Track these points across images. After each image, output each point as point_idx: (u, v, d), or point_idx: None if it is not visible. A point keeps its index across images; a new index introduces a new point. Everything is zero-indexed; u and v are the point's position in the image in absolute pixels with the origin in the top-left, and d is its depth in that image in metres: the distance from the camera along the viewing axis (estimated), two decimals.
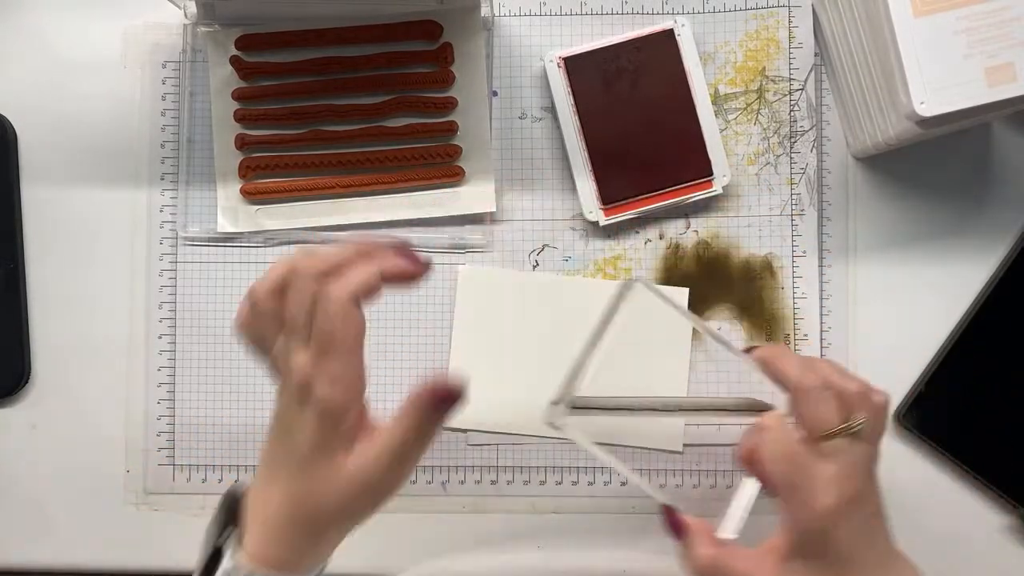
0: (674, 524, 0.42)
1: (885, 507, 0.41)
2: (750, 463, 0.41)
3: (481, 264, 0.55)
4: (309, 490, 0.38)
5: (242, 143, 0.55)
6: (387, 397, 0.54)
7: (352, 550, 0.47)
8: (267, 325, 0.38)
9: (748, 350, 0.43)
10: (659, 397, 0.51)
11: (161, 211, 0.55)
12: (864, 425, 0.38)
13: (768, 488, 0.40)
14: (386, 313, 0.55)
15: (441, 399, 0.38)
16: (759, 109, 0.54)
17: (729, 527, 0.42)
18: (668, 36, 0.53)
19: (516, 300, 0.54)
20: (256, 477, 0.40)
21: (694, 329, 0.54)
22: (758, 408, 0.45)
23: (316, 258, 0.38)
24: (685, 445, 0.54)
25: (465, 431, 0.54)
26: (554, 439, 0.53)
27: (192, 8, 0.54)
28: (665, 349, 0.54)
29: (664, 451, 0.54)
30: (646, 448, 0.54)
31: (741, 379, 0.54)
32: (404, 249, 0.39)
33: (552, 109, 0.54)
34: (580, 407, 0.43)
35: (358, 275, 0.38)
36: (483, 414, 0.54)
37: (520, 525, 0.54)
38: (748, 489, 0.42)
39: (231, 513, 0.39)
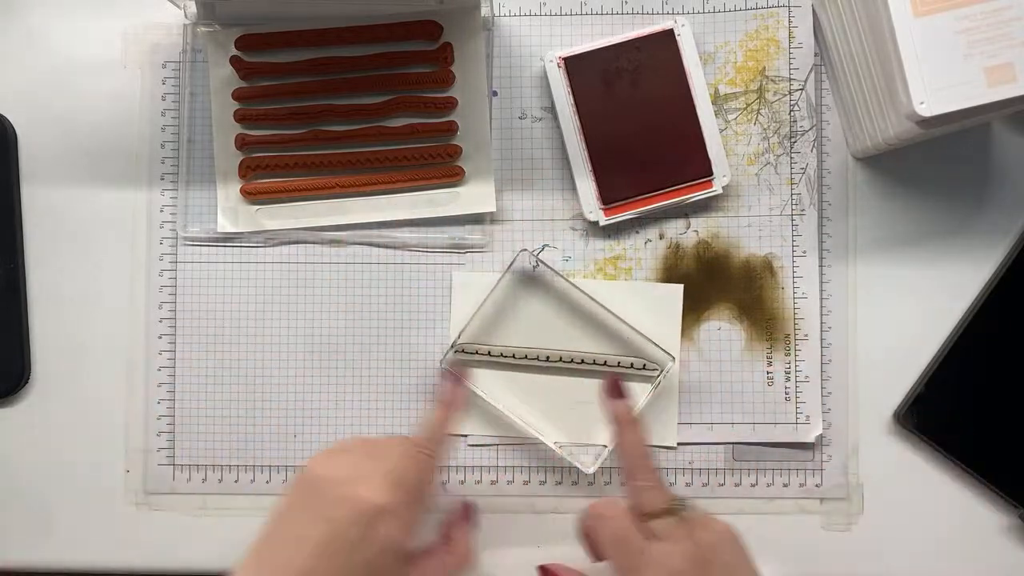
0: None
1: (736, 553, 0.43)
2: (590, 544, 0.45)
3: (481, 264, 0.55)
4: None
5: (242, 143, 0.55)
6: (385, 396, 0.54)
7: None
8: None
9: (612, 391, 0.48)
10: (545, 348, 0.53)
11: (161, 211, 0.55)
12: (685, 507, 0.43)
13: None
14: (386, 313, 0.55)
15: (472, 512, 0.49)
16: (759, 109, 0.54)
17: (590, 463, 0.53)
18: (668, 36, 0.53)
19: (508, 304, 0.54)
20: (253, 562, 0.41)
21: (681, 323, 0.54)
22: (649, 367, 0.53)
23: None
24: (679, 443, 0.54)
25: (465, 435, 0.54)
26: (554, 441, 0.53)
27: (192, 8, 0.54)
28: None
29: (657, 447, 0.54)
30: None
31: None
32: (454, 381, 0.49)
33: (552, 109, 0.54)
34: (467, 352, 0.53)
35: (436, 430, 0.46)
36: (482, 420, 0.54)
37: (520, 525, 0.54)
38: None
39: None
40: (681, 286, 0.54)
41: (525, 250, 0.54)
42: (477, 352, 0.53)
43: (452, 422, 0.47)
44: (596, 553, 0.45)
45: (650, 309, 0.54)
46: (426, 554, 0.44)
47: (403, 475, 0.42)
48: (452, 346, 0.53)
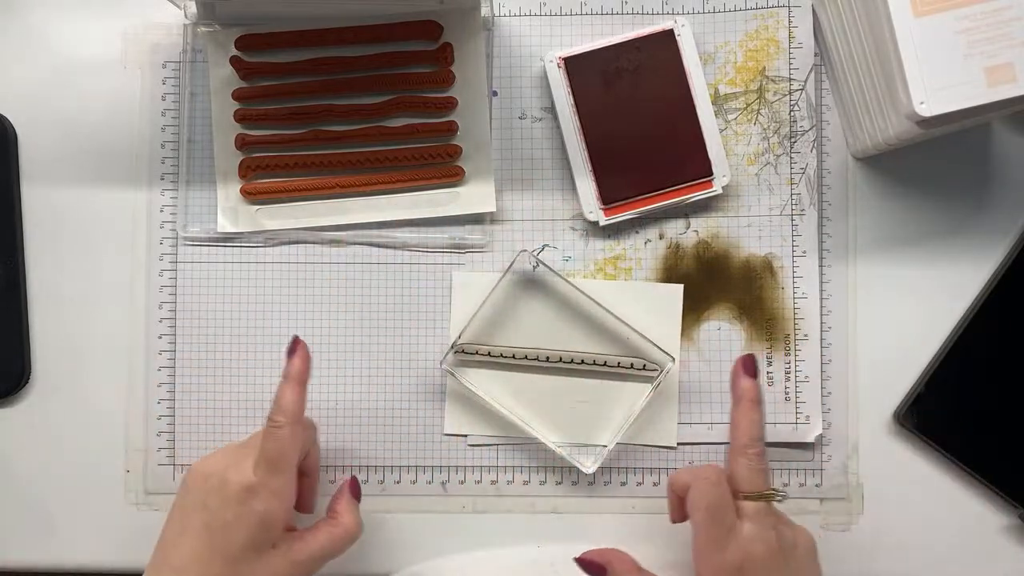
0: (591, 566, 0.47)
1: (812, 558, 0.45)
2: (676, 501, 0.46)
3: (481, 264, 0.55)
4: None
5: (242, 143, 0.55)
6: (385, 396, 0.55)
7: (353, 551, 0.48)
8: None
9: (746, 368, 0.47)
10: (545, 348, 0.54)
11: (161, 211, 0.55)
12: (784, 497, 0.44)
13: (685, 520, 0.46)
14: (386, 313, 0.55)
15: (356, 487, 0.49)
16: (759, 109, 0.54)
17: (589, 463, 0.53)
18: (668, 36, 0.53)
19: (508, 304, 0.54)
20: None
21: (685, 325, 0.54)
22: (649, 367, 0.53)
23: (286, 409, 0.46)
24: (679, 443, 0.54)
25: (465, 435, 0.54)
26: (554, 440, 0.53)
27: (192, 8, 0.54)
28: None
29: (657, 447, 0.54)
30: (640, 444, 0.54)
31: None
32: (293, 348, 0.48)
33: (552, 109, 0.54)
34: (467, 352, 0.53)
35: (284, 402, 0.46)
36: (482, 420, 0.54)
37: (520, 525, 0.54)
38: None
39: None
40: (681, 286, 0.54)
41: (525, 250, 0.54)
42: (477, 352, 0.53)
43: (299, 392, 0.46)
44: (679, 513, 0.46)
45: (650, 309, 0.54)
46: (313, 527, 0.47)
47: (264, 452, 0.45)
48: (452, 346, 0.53)
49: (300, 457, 0.47)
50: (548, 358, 0.53)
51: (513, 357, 0.53)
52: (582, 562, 0.48)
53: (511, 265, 0.54)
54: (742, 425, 0.45)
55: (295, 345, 0.47)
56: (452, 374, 0.53)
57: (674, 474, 0.46)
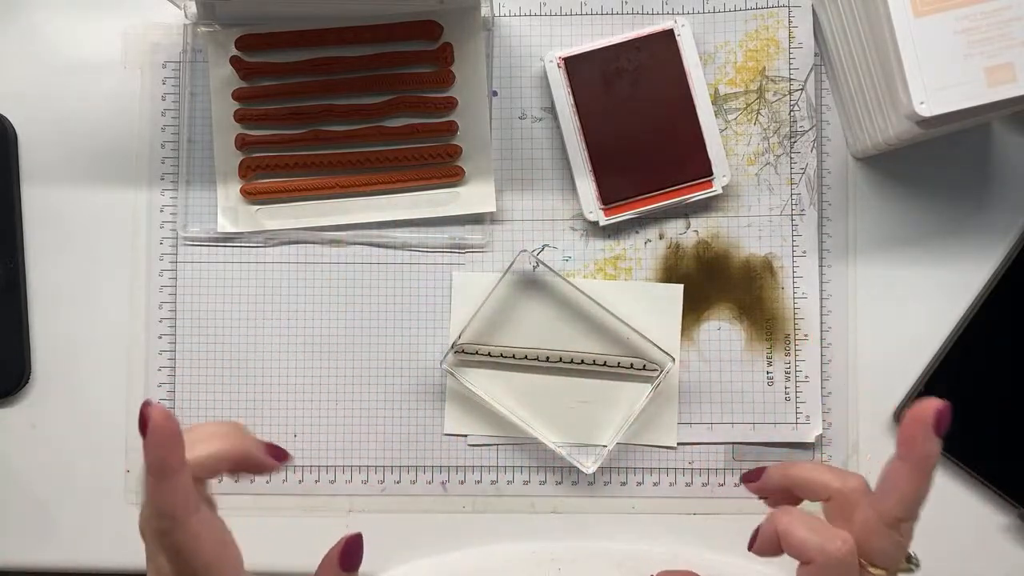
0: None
1: None
2: (774, 546, 0.38)
3: (481, 264, 0.55)
4: None
5: (242, 143, 0.55)
6: (385, 396, 0.55)
7: None
8: None
9: (942, 418, 0.35)
10: (545, 349, 0.53)
11: (161, 211, 0.55)
12: (916, 566, 0.37)
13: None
14: (386, 313, 0.55)
15: (348, 554, 0.39)
16: (759, 109, 0.54)
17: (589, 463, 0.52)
18: (668, 36, 0.53)
19: (508, 304, 0.54)
20: None
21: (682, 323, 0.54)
22: (649, 367, 0.53)
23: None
24: (679, 443, 0.54)
25: (465, 435, 0.54)
26: (554, 440, 0.53)
27: (192, 8, 0.54)
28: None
29: (657, 447, 0.54)
30: (640, 444, 0.54)
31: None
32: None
33: (552, 109, 0.54)
34: (467, 352, 0.53)
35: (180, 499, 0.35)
36: (482, 420, 0.54)
37: (520, 525, 0.54)
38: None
39: None
40: (681, 286, 0.54)
41: (525, 251, 0.54)
42: (477, 352, 0.53)
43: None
44: (771, 548, 0.38)
45: (650, 309, 0.54)
46: None
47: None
48: (452, 346, 0.53)
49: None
50: (548, 358, 0.53)
51: (513, 357, 0.53)
52: None
53: (511, 265, 0.54)
54: (906, 492, 0.35)
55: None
56: (452, 374, 0.53)
57: (789, 521, 0.37)
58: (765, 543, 0.38)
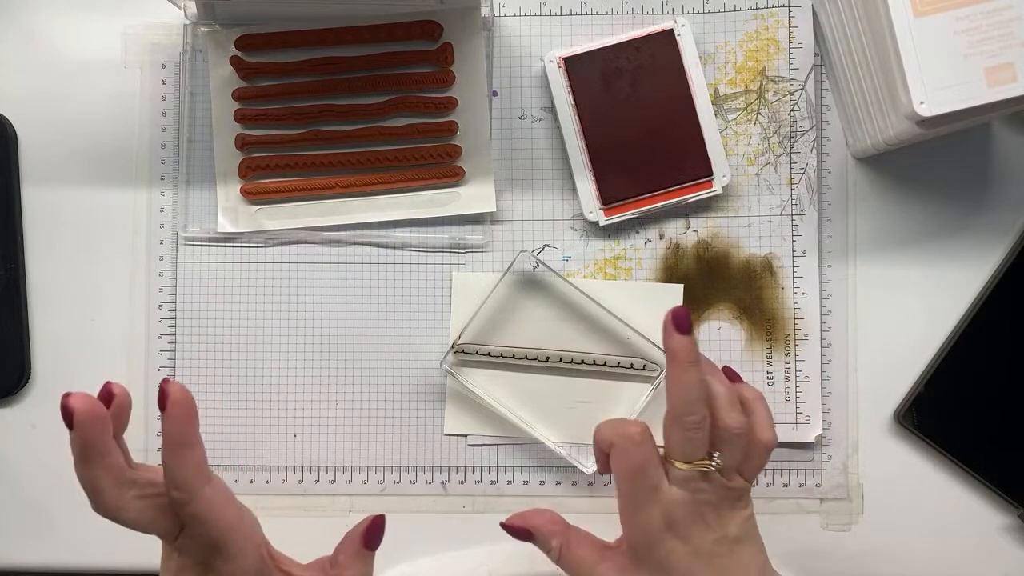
0: (517, 531, 0.45)
1: (750, 545, 0.43)
2: (603, 457, 0.44)
3: (481, 264, 0.55)
4: None
5: (242, 143, 0.55)
6: (385, 396, 0.55)
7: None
8: None
9: (677, 323, 0.42)
10: (545, 349, 0.53)
11: (161, 211, 0.55)
12: (718, 466, 0.41)
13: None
14: (386, 313, 0.55)
15: (371, 534, 0.42)
16: (759, 109, 0.54)
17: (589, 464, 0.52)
18: (668, 36, 0.53)
19: (508, 304, 0.54)
20: None
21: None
22: (649, 367, 0.53)
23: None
24: None
25: (465, 435, 0.54)
26: (554, 440, 0.53)
27: (192, 8, 0.54)
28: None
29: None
30: None
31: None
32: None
33: (552, 109, 0.54)
34: (467, 352, 0.53)
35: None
36: (482, 420, 0.54)
37: None
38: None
39: None
40: (681, 286, 0.54)
41: (525, 251, 0.54)
42: (477, 352, 0.53)
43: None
44: (605, 466, 0.44)
45: (650, 309, 0.54)
46: (308, 568, 0.42)
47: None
48: (452, 346, 0.53)
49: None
50: (548, 358, 0.53)
51: (513, 357, 0.53)
52: (507, 528, 0.45)
53: (511, 265, 0.54)
54: (677, 389, 0.41)
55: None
56: (452, 374, 0.53)
57: (597, 427, 0.43)
58: (598, 458, 0.44)
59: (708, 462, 0.41)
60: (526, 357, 0.53)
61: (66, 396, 0.36)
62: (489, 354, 0.53)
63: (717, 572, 0.42)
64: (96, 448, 0.36)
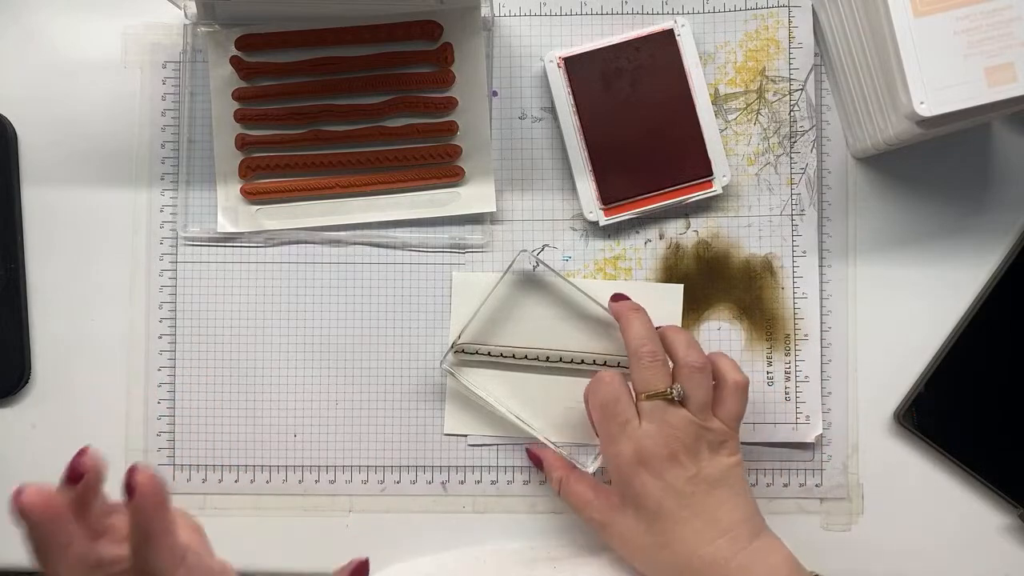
0: (532, 457, 0.52)
1: (732, 491, 0.46)
2: (588, 409, 0.48)
3: (481, 264, 0.55)
4: None
5: (242, 143, 0.55)
6: (385, 395, 0.55)
7: (353, 550, 0.48)
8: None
9: (615, 298, 0.51)
10: (545, 348, 0.54)
11: (161, 211, 0.55)
12: (678, 394, 0.45)
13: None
14: (386, 313, 0.55)
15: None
16: (759, 109, 0.54)
17: (589, 463, 0.52)
18: (668, 36, 0.53)
19: (508, 304, 0.54)
20: None
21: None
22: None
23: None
24: None
25: (465, 435, 0.54)
26: (552, 441, 0.53)
27: (192, 8, 0.54)
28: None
29: None
30: None
31: None
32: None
33: (552, 109, 0.54)
34: (467, 352, 0.53)
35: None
36: (482, 420, 0.54)
37: (520, 525, 0.54)
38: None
39: None
40: (681, 286, 0.54)
41: (525, 251, 0.54)
42: (477, 352, 0.53)
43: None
44: (590, 418, 0.49)
45: (650, 309, 0.54)
46: None
47: None
48: (452, 346, 0.53)
49: None
50: (548, 358, 0.53)
51: (513, 357, 0.53)
52: (527, 452, 0.53)
53: (511, 265, 0.54)
54: (629, 331, 0.48)
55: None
56: (452, 374, 0.53)
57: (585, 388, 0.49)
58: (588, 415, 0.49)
59: (668, 390, 0.45)
60: (526, 357, 0.53)
61: (17, 493, 0.32)
62: (489, 354, 0.53)
63: (690, 510, 0.45)
64: (56, 541, 0.33)
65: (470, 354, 0.53)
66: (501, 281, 0.54)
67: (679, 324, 0.54)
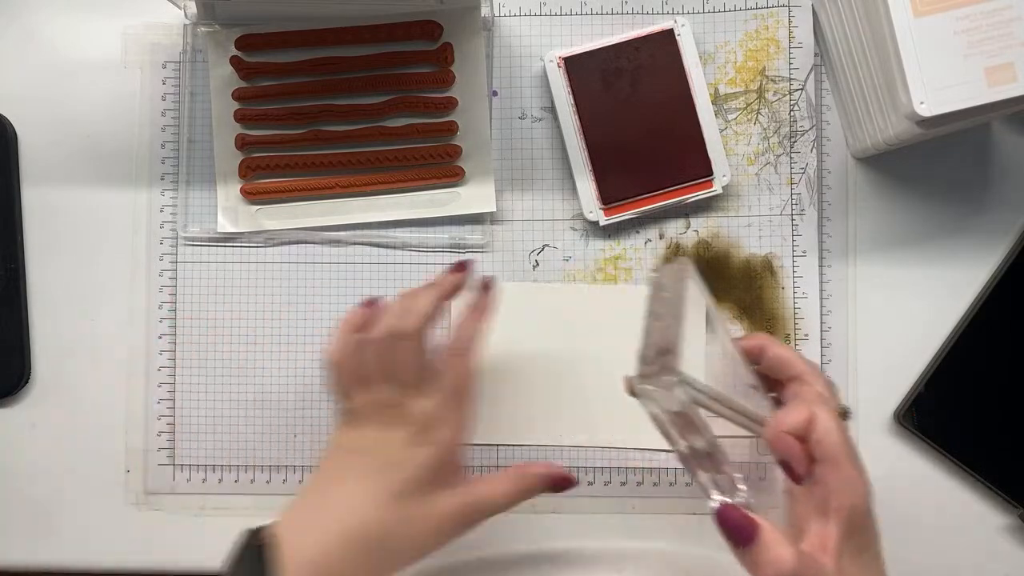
0: (739, 526, 0.36)
1: None
2: (787, 443, 0.37)
3: (481, 264, 0.55)
4: (400, 519, 0.40)
5: (242, 143, 0.55)
6: None
7: None
8: (367, 366, 0.42)
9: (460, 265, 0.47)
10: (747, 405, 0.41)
11: (161, 211, 0.55)
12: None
13: (794, 472, 0.37)
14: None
15: (555, 484, 0.44)
16: (759, 109, 0.54)
17: (741, 492, 0.38)
18: (668, 36, 0.53)
19: (517, 310, 0.54)
20: (308, 514, 0.41)
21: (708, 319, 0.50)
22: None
23: (418, 311, 0.43)
24: None
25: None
26: (551, 444, 0.53)
27: (192, 8, 0.54)
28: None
29: (657, 449, 0.54)
30: (640, 446, 0.54)
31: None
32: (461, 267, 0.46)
33: (552, 109, 0.54)
34: (690, 386, 0.37)
35: (468, 333, 0.44)
36: (484, 424, 0.54)
37: (520, 525, 0.54)
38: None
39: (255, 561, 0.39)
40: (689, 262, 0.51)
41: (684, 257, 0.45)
42: (697, 391, 0.37)
43: (482, 328, 0.44)
44: (802, 452, 0.37)
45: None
46: (498, 474, 0.44)
47: (447, 384, 0.42)
48: (676, 376, 0.36)
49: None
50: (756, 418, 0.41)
51: (732, 410, 0.40)
52: (724, 518, 0.37)
53: (681, 275, 0.41)
54: (783, 351, 0.40)
55: (488, 282, 0.46)
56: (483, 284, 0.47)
57: (771, 429, 0.37)
58: (798, 460, 0.37)
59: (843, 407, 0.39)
60: (740, 413, 0.40)
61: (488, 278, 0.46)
62: (711, 395, 0.38)
63: None
64: (488, 312, 0.45)
65: (691, 388, 0.36)
66: (685, 293, 0.40)
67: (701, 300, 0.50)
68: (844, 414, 0.38)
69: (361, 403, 0.43)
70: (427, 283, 0.45)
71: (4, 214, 0.55)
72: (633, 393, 0.38)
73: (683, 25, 0.53)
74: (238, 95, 0.54)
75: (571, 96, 0.53)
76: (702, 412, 0.37)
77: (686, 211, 0.54)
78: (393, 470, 0.41)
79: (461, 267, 0.46)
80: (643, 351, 0.38)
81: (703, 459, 0.38)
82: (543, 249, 0.55)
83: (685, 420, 0.37)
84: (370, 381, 0.43)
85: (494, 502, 0.43)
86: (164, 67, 0.56)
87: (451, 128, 0.54)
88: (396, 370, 0.42)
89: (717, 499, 0.37)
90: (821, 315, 0.54)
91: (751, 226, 0.54)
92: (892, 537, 0.54)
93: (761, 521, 0.36)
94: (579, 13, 0.55)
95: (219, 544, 0.56)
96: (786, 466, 0.38)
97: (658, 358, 0.37)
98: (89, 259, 0.55)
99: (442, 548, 0.42)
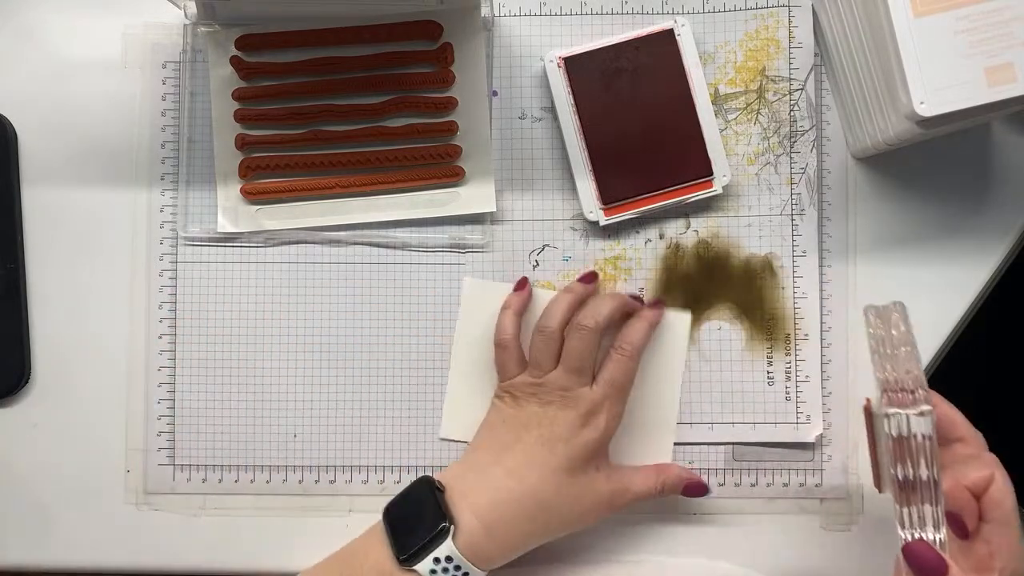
0: (932, 565, 0.38)
1: None
2: (965, 497, 0.40)
3: (481, 264, 0.55)
4: (563, 490, 0.46)
5: (242, 143, 0.55)
6: (385, 395, 0.55)
7: None
8: (541, 352, 0.49)
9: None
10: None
11: (161, 211, 0.55)
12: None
13: (964, 526, 0.40)
14: (386, 313, 0.55)
15: (691, 488, 0.51)
16: (759, 109, 0.54)
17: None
18: (668, 36, 0.53)
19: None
20: (476, 474, 0.47)
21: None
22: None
23: (603, 314, 0.49)
24: (679, 443, 0.54)
25: (466, 442, 0.54)
26: None
27: (192, 8, 0.54)
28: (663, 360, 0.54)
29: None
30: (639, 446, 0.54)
31: (738, 381, 0.54)
32: (656, 305, 0.53)
33: (552, 109, 0.54)
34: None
35: (641, 336, 0.50)
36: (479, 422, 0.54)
37: None
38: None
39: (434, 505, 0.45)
40: (688, 315, 0.54)
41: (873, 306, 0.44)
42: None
43: (649, 336, 0.51)
44: (968, 528, 0.40)
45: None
46: (642, 467, 0.50)
47: (612, 377, 0.48)
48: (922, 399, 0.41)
49: None
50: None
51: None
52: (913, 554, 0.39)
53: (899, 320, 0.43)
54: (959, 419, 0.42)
55: (660, 300, 0.52)
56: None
57: (955, 489, 0.40)
58: (971, 515, 0.40)
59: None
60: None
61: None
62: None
63: None
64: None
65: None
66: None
67: (684, 352, 0.54)
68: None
69: (521, 383, 0.49)
70: (566, 288, 0.51)
71: (4, 214, 0.55)
72: (870, 413, 0.43)
73: (683, 25, 0.53)
74: (238, 95, 0.54)
75: (571, 96, 0.53)
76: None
77: (686, 211, 0.54)
78: (561, 445, 0.46)
79: (591, 277, 0.52)
80: (899, 376, 0.41)
81: (911, 490, 0.40)
82: (543, 249, 0.55)
83: (916, 447, 0.40)
84: (540, 365, 0.49)
85: (636, 492, 0.49)
86: (164, 67, 0.56)
87: (451, 128, 0.54)
88: (574, 360, 0.48)
89: (913, 533, 0.40)
90: (821, 315, 0.54)
91: (751, 226, 0.54)
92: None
93: (951, 563, 0.38)
94: (579, 13, 0.55)
95: (219, 544, 0.56)
96: (956, 519, 0.40)
97: (916, 388, 0.41)
98: (89, 259, 0.55)
99: (587, 527, 0.48)
